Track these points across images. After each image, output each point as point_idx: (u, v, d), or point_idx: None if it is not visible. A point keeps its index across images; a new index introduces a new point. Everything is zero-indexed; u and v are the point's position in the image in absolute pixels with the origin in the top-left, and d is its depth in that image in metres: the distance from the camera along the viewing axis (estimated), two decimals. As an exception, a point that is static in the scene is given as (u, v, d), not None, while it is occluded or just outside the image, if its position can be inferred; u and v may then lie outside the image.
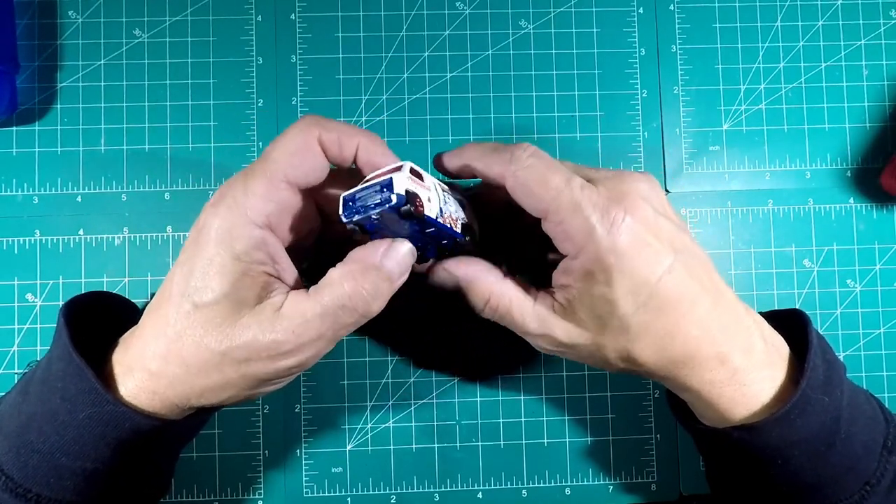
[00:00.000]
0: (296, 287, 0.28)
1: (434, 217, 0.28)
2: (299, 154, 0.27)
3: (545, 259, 0.34)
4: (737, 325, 0.29)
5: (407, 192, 0.26)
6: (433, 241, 0.30)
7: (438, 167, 0.31)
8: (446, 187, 0.30)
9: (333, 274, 0.27)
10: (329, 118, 0.28)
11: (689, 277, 0.27)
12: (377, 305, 0.27)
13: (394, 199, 0.26)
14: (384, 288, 0.27)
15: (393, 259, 0.27)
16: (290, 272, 0.29)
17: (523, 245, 0.34)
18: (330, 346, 0.28)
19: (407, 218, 0.27)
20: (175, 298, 0.27)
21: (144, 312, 0.28)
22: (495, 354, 0.39)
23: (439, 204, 0.28)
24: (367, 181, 0.28)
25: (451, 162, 0.31)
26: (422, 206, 0.27)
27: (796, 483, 0.29)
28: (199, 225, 0.27)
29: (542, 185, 0.27)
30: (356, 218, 0.27)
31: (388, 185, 0.26)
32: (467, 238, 0.30)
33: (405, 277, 0.28)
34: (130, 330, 0.29)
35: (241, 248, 0.26)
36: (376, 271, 0.27)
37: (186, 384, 0.27)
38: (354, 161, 0.29)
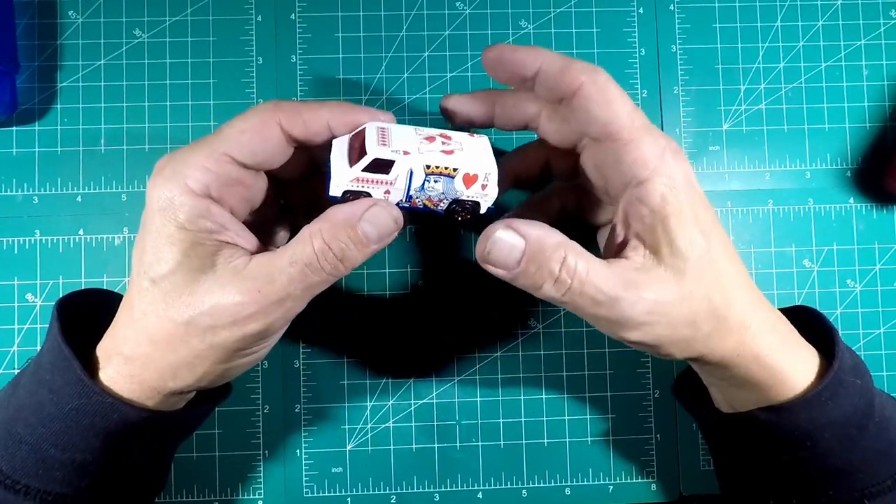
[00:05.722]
0: (258, 252, 0.28)
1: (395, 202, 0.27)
2: (249, 133, 0.27)
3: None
4: (753, 290, 0.29)
5: (344, 193, 0.27)
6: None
7: (452, 112, 0.31)
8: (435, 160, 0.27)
9: (304, 231, 0.26)
10: (294, 100, 0.27)
11: (720, 230, 0.28)
12: (348, 265, 0.26)
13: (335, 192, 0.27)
14: (355, 250, 0.26)
15: (371, 222, 0.26)
16: (246, 239, 0.28)
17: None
18: (298, 309, 0.27)
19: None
20: (135, 278, 0.26)
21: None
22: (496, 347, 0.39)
23: (406, 190, 0.27)
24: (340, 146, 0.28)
25: (511, 60, 0.28)
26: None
27: (824, 467, 0.28)
28: (146, 198, 0.27)
29: (621, 98, 0.27)
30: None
31: (329, 180, 0.27)
32: (458, 216, 0.28)
33: (386, 242, 0.27)
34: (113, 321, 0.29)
35: (184, 217, 0.26)
36: (350, 230, 0.26)
37: (157, 362, 0.26)
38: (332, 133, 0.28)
